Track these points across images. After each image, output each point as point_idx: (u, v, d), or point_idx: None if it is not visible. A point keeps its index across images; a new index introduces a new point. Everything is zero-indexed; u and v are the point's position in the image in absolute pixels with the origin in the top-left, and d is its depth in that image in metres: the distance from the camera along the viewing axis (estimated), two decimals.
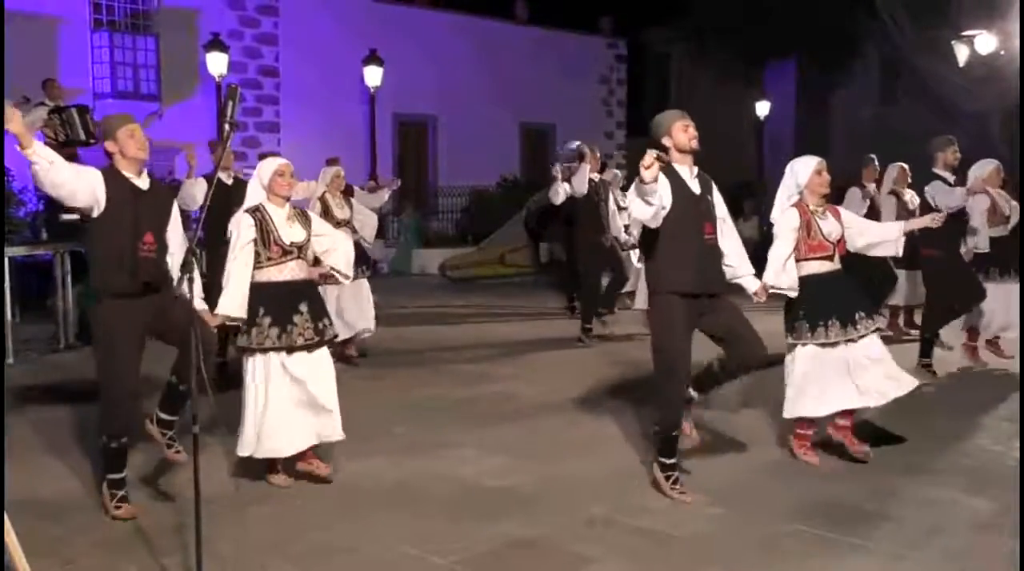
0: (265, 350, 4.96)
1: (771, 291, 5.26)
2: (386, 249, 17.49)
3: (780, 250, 5.32)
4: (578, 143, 10.02)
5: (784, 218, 5.37)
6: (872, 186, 9.38)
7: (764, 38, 21.65)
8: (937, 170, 7.73)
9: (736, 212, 16.67)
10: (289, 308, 5.00)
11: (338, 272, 5.33)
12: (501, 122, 20.11)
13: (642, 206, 4.55)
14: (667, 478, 4.90)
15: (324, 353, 5.12)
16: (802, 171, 5.40)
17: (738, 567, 4.12)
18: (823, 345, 5.32)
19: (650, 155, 4.38)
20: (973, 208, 7.62)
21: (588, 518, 4.64)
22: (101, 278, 4.52)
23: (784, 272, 5.30)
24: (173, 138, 14.78)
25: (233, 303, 4.91)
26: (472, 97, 19.35)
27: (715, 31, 23.26)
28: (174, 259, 4.71)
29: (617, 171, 10.58)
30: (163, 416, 4.74)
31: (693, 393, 5.26)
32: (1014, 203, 7.93)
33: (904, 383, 5.42)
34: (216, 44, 14.55)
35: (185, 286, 3.69)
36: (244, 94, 15.10)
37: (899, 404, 6.95)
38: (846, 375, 5.34)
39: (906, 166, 9.17)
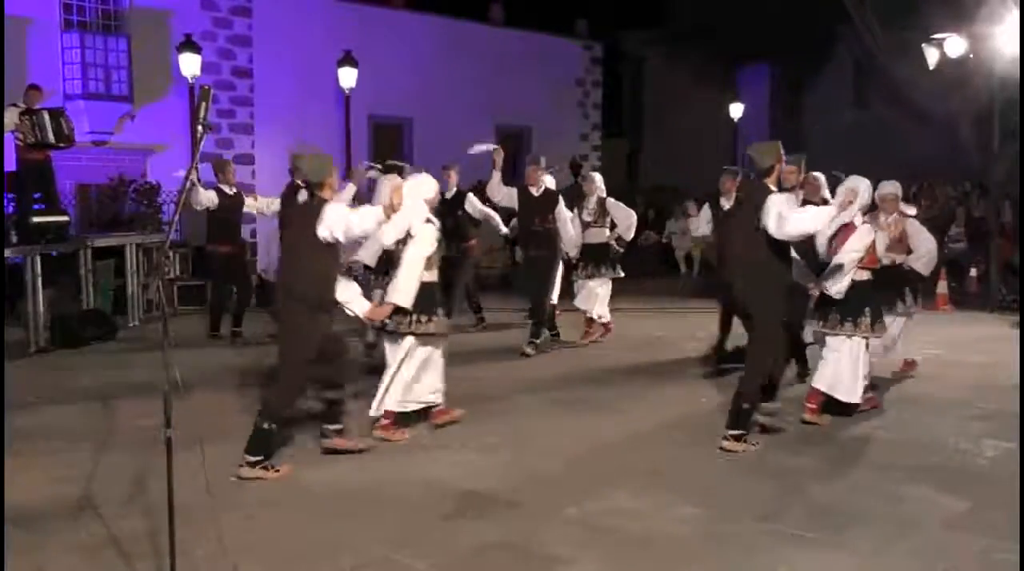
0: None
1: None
2: None
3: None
4: (483, 148, 9.43)
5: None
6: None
7: (738, 41, 21.78)
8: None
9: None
10: None
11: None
12: (476, 124, 20.04)
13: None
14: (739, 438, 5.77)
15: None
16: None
17: (713, 566, 4.14)
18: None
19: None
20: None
21: (563, 519, 4.65)
22: None
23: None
24: (145, 140, 14.68)
25: None
26: (447, 99, 19.31)
27: (690, 34, 23.37)
28: None
29: (595, 174, 10.30)
30: (327, 427, 5.69)
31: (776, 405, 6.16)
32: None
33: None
34: (188, 45, 14.42)
35: (153, 288, 3.67)
36: (218, 95, 14.99)
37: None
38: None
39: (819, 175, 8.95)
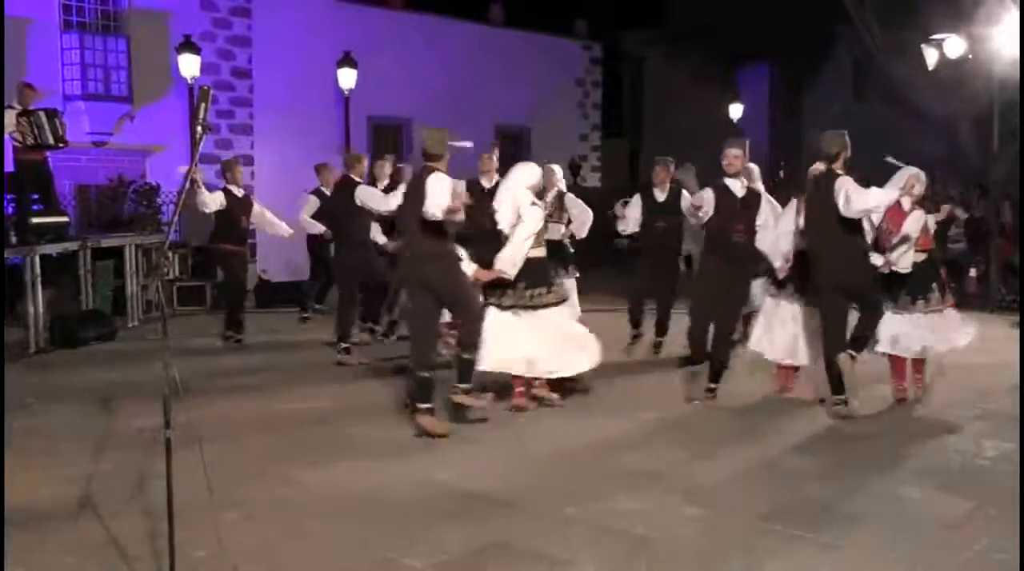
0: None
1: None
2: None
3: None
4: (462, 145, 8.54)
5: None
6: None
7: (738, 41, 21.77)
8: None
9: None
10: None
11: None
12: (476, 124, 20.06)
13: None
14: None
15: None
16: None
17: (713, 566, 4.14)
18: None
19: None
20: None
21: (564, 519, 4.65)
22: None
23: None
24: (144, 140, 14.67)
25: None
26: (447, 99, 19.29)
27: (690, 34, 23.35)
28: None
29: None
30: (458, 385, 6.29)
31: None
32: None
33: None
34: (188, 46, 14.42)
35: (152, 289, 3.68)
36: (217, 96, 14.97)
37: (869, 405, 7.03)
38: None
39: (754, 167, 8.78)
